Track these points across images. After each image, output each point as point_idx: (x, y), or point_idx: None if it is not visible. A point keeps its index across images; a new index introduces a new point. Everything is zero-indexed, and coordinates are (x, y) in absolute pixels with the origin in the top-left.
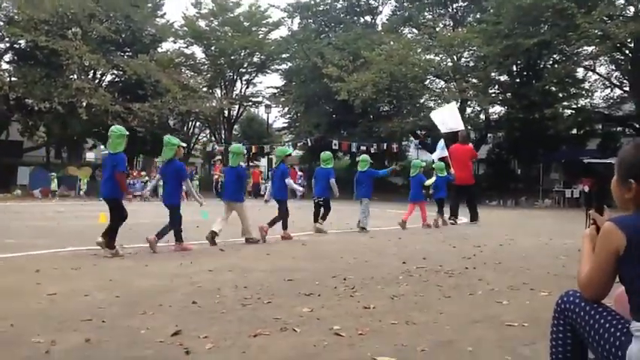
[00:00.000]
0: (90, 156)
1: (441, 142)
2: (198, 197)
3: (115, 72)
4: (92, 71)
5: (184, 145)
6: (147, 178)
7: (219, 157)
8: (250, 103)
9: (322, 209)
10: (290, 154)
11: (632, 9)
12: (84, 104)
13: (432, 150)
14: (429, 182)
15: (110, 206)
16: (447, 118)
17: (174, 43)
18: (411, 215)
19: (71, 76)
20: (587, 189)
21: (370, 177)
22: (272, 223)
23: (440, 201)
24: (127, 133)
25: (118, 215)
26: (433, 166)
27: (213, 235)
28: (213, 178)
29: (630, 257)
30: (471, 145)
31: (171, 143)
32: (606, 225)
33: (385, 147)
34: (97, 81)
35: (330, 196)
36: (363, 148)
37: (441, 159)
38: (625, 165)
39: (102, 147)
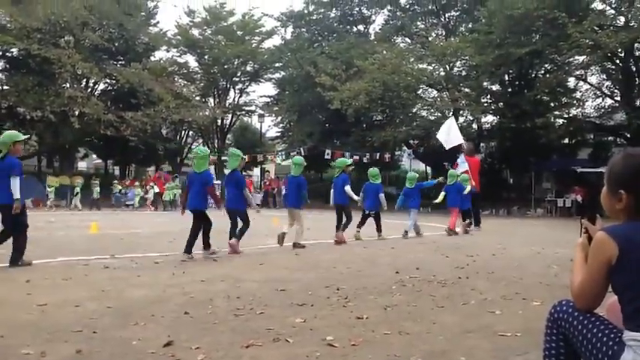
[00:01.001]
0: (82, 165)
1: (462, 157)
2: (255, 204)
3: (108, 81)
4: (85, 80)
5: (245, 157)
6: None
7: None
8: (243, 112)
9: (374, 220)
10: (350, 165)
11: (622, 19)
12: (76, 113)
13: (423, 159)
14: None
15: (196, 216)
16: (449, 134)
17: (168, 51)
18: (456, 220)
19: (63, 85)
20: (580, 198)
21: (418, 190)
22: (344, 228)
23: (467, 210)
24: (209, 152)
25: (206, 222)
26: (459, 177)
27: (282, 237)
28: None
29: (622, 267)
30: (477, 157)
31: (236, 155)
32: (598, 235)
33: (378, 156)
34: (89, 90)
35: (380, 209)
36: (356, 157)
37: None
38: (614, 176)
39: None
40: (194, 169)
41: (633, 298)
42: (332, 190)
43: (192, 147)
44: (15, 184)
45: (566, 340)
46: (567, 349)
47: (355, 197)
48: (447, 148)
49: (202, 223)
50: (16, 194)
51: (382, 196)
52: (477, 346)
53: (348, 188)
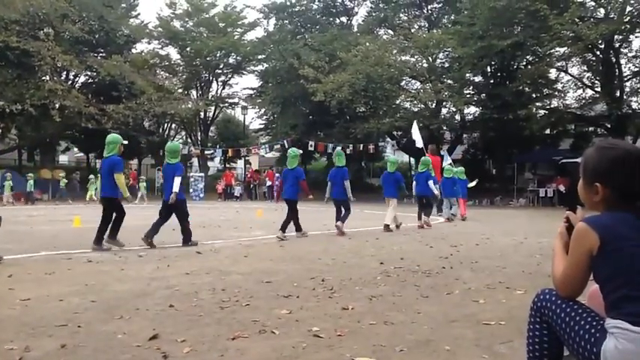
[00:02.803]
0: (63, 158)
1: (446, 153)
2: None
3: (89, 73)
4: (65, 72)
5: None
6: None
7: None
8: (226, 105)
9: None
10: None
11: (602, 11)
12: (57, 106)
13: (406, 150)
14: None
15: (290, 205)
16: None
17: (149, 44)
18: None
19: (43, 78)
20: (562, 188)
21: (455, 182)
22: (428, 215)
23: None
24: (301, 152)
25: (295, 210)
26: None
27: (387, 227)
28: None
29: (604, 257)
30: (438, 156)
31: (296, 155)
32: (579, 225)
33: (362, 147)
34: (70, 82)
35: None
36: (339, 148)
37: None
38: (589, 169)
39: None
40: (287, 166)
41: (615, 287)
42: (414, 184)
43: (175, 139)
44: (177, 182)
45: (550, 328)
46: (551, 337)
47: (436, 192)
48: (419, 147)
49: (290, 209)
50: (176, 188)
51: (431, 182)
52: (462, 335)
53: (431, 183)
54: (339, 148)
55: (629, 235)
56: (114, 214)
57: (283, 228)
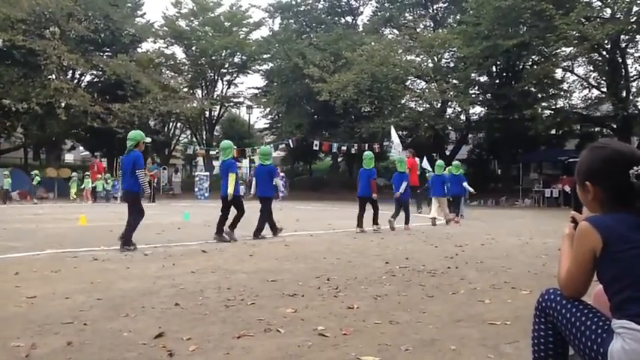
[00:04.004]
0: (69, 157)
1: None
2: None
3: (94, 72)
4: (71, 71)
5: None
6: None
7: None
8: (231, 104)
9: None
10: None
11: (608, 10)
12: (62, 105)
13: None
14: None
15: (367, 200)
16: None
17: (155, 43)
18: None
19: (49, 76)
20: (567, 189)
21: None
22: (456, 212)
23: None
24: (373, 155)
25: (375, 205)
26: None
27: (434, 221)
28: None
29: (608, 258)
30: (416, 159)
31: (372, 157)
32: (582, 224)
33: (367, 147)
34: (75, 81)
35: (465, 193)
36: (344, 148)
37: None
38: (581, 168)
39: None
40: (364, 167)
41: (621, 289)
42: (448, 184)
43: (180, 139)
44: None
45: (555, 328)
46: (555, 337)
47: (471, 189)
48: (400, 151)
49: (372, 206)
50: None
51: (466, 184)
52: (467, 334)
53: (466, 184)
54: (402, 156)
55: (630, 235)
56: (229, 210)
57: (375, 221)
